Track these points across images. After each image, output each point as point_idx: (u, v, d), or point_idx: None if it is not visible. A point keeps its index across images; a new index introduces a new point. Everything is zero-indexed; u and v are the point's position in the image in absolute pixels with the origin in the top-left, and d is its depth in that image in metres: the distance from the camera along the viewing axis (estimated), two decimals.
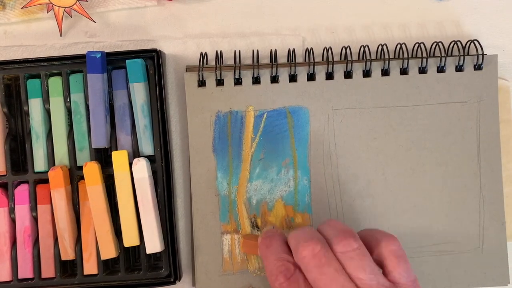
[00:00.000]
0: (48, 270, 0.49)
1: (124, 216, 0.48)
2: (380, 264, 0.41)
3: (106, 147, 0.49)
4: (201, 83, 0.49)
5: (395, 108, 0.49)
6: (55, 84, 0.49)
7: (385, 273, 0.41)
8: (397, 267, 0.40)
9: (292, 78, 0.49)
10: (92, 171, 0.47)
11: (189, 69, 0.50)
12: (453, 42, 0.50)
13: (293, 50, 0.50)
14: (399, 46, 0.50)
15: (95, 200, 0.47)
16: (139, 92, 0.48)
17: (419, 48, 0.50)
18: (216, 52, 0.49)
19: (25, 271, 0.49)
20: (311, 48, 0.50)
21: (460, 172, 0.50)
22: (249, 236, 0.48)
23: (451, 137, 0.49)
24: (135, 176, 0.47)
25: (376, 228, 0.45)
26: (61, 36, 0.51)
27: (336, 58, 0.51)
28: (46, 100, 0.49)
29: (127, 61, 0.48)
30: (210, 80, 0.49)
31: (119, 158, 0.47)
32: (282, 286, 0.41)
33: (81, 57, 0.48)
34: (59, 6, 0.50)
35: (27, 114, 0.49)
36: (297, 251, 0.41)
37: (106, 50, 0.49)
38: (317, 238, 0.41)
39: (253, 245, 0.47)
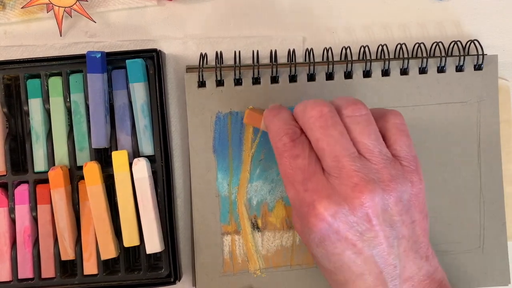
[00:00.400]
0: (48, 270, 0.49)
1: (124, 216, 0.48)
2: (383, 138, 0.41)
3: (106, 147, 0.49)
4: (201, 84, 0.49)
5: (396, 108, 0.49)
6: (55, 84, 0.49)
7: (386, 146, 0.40)
8: (398, 140, 0.40)
9: (292, 79, 0.49)
10: (92, 171, 0.47)
11: (189, 69, 0.50)
12: (453, 42, 0.50)
13: (293, 51, 0.50)
14: (399, 46, 0.50)
15: (95, 200, 0.47)
16: (139, 92, 0.48)
17: (419, 48, 0.50)
18: (216, 53, 0.49)
19: (25, 271, 0.49)
20: (311, 49, 0.50)
21: (460, 172, 0.50)
22: (254, 109, 0.47)
23: (451, 137, 0.49)
24: (135, 176, 0.47)
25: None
26: (61, 36, 0.51)
27: (336, 58, 0.51)
28: (46, 100, 0.49)
29: (127, 61, 0.48)
30: (210, 81, 0.49)
31: (119, 158, 0.47)
32: (286, 146, 0.40)
33: (81, 57, 0.48)
34: (59, 6, 0.50)
35: (27, 114, 0.49)
36: (304, 112, 0.40)
37: (106, 50, 0.49)
38: (325, 102, 0.40)
39: (257, 118, 0.46)
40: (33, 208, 0.49)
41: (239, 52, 0.50)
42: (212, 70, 0.48)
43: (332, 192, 0.38)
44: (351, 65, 0.49)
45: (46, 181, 0.48)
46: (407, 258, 0.39)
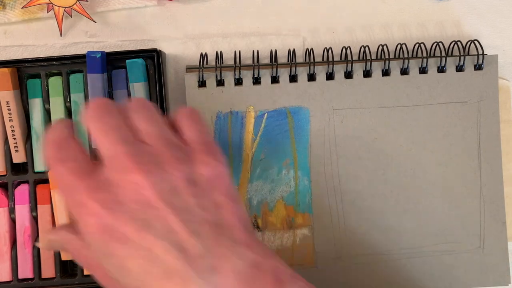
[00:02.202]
0: (48, 270, 0.49)
1: None
2: (173, 129, 0.38)
3: None
4: (202, 84, 0.49)
5: (396, 108, 0.49)
6: (55, 84, 0.49)
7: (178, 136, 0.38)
8: (186, 126, 0.38)
9: (293, 79, 0.49)
10: None
11: (189, 69, 0.50)
12: (453, 42, 0.50)
13: (293, 50, 0.50)
14: (399, 46, 0.50)
15: None
16: (139, 92, 0.48)
17: (419, 48, 0.50)
18: (216, 53, 0.49)
19: (25, 271, 0.49)
20: (311, 48, 0.50)
21: (461, 172, 0.50)
22: None
23: (451, 137, 0.49)
24: None
25: None
26: (61, 36, 0.51)
27: (337, 58, 0.51)
28: (46, 100, 0.49)
29: (127, 61, 0.48)
30: (211, 81, 0.49)
31: None
32: (54, 160, 0.36)
33: (81, 57, 0.48)
34: (59, 6, 0.50)
35: (27, 114, 0.49)
36: (84, 108, 0.37)
37: (106, 50, 0.49)
38: (103, 97, 0.38)
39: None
40: (33, 208, 0.49)
41: (239, 52, 0.50)
42: (212, 70, 0.48)
43: (103, 183, 0.33)
44: (351, 65, 0.49)
45: (46, 181, 0.48)
46: (219, 246, 0.32)
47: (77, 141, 0.37)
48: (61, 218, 0.48)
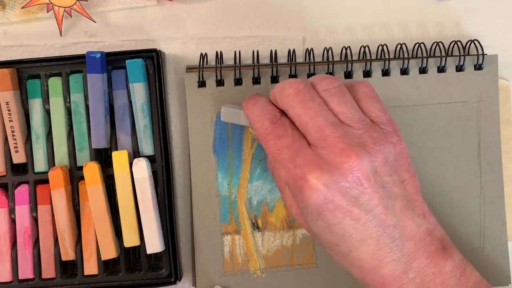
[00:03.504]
0: (49, 270, 0.49)
1: (124, 216, 0.48)
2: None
3: (106, 147, 0.49)
4: (201, 84, 0.49)
5: (396, 108, 0.49)
6: (55, 84, 0.49)
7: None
8: (371, 107, 0.41)
9: None
10: (92, 171, 0.47)
11: (189, 69, 0.50)
12: (453, 42, 0.50)
13: (293, 50, 0.50)
14: (399, 46, 0.50)
15: (95, 201, 0.47)
16: (139, 92, 0.48)
17: (419, 48, 0.50)
18: (216, 53, 0.49)
19: (26, 271, 0.49)
20: (311, 48, 0.50)
21: (461, 172, 0.50)
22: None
23: (451, 137, 0.49)
24: (135, 176, 0.47)
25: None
26: (61, 36, 0.51)
27: (336, 58, 0.51)
28: (46, 100, 0.49)
29: (127, 61, 0.48)
30: (210, 81, 0.49)
31: (119, 158, 0.47)
32: (267, 130, 0.41)
33: (81, 57, 0.48)
34: (59, 6, 0.50)
35: (27, 114, 0.49)
36: (282, 93, 0.41)
37: (106, 50, 0.49)
38: (300, 80, 0.41)
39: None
40: (33, 209, 0.49)
41: (239, 52, 0.50)
42: (212, 70, 0.48)
43: (322, 162, 0.38)
44: (351, 65, 0.49)
45: (46, 181, 0.48)
46: (405, 217, 0.39)
47: (288, 119, 0.41)
48: (61, 218, 0.48)
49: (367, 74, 0.49)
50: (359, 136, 0.39)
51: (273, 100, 0.43)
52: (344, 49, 0.50)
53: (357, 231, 0.38)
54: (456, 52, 0.51)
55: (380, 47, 0.50)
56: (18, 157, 0.49)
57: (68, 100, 0.49)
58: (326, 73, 0.49)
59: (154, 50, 0.48)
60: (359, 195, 0.38)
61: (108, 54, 0.48)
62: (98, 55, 0.47)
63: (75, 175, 0.49)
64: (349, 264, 0.40)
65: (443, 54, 0.50)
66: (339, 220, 0.38)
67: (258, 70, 0.48)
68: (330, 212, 0.38)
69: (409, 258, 0.38)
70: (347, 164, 0.37)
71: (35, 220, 0.49)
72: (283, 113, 0.42)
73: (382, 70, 0.49)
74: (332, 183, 0.38)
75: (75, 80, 0.49)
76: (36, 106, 0.49)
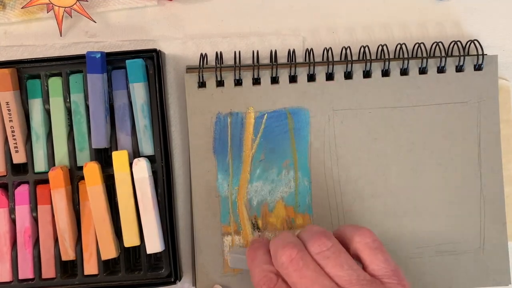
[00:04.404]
0: (49, 270, 0.49)
1: (125, 216, 0.48)
2: (357, 260, 0.41)
3: (106, 147, 0.49)
4: (201, 84, 0.49)
5: (396, 109, 0.49)
6: (55, 84, 0.49)
7: (364, 267, 0.41)
8: (374, 260, 0.40)
9: (292, 79, 0.49)
10: (92, 171, 0.47)
11: (189, 69, 0.50)
12: (453, 42, 0.50)
13: (293, 51, 0.50)
14: (399, 46, 0.50)
15: (95, 200, 0.47)
16: (139, 92, 0.48)
17: (419, 48, 0.50)
18: (216, 53, 0.49)
19: (26, 271, 0.49)
20: (311, 49, 0.50)
21: (461, 173, 0.50)
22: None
23: (451, 137, 0.49)
24: (135, 176, 0.47)
25: (349, 224, 0.46)
26: (61, 36, 0.51)
27: (336, 59, 0.51)
28: (46, 101, 0.49)
29: (127, 61, 0.48)
30: (210, 81, 0.49)
31: (119, 158, 0.47)
32: None
33: (81, 57, 0.48)
34: (59, 6, 0.50)
35: (27, 114, 0.49)
36: (276, 259, 0.41)
37: (106, 50, 0.49)
38: (293, 243, 0.41)
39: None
40: (34, 209, 0.49)
41: (239, 52, 0.50)
42: (212, 70, 0.48)
43: None
44: (351, 65, 0.49)
45: (46, 181, 0.48)
46: None
47: (287, 283, 0.40)
48: (61, 218, 0.48)
49: (367, 74, 0.49)
50: None
51: (272, 253, 0.43)
52: (344, 49, 0.50)
53: None
54: (456, 52, 0.50)
55: (380, 47, 0.50)
56: (18, 157, 0.49)
57: (68, 100, 0.49)
58: (326, 74, 0.49)
59: (154, 50, 0.48)
60: None
61: (108, 54, 0.48)
62: (98, 55, 0.47)
63: (75, 175, 0.49)
64: None
65: (443, 54, 0.50)
66: None
67: (258, 70, 0.48)
68: None
69: None
70: None
71: (35, 220, 0.49)
72: (278, 272, 0.41)
73: (382, 70, 0.49)
74: None
75: (75, 80, 0.49)
76: (36, 106, 0.49)
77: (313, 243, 0.40)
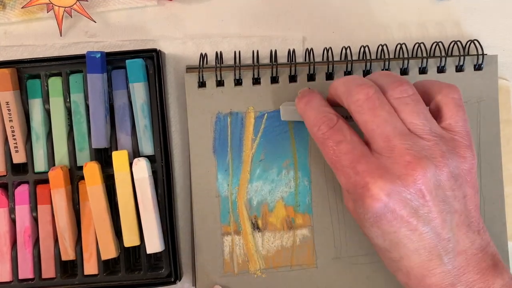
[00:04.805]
0: (49, 270, 0.49)
1: (124, 216, 0.48)
2: (436, 113, 0.41)
3: (106, 147, 0.49)
4: (201, 84, 0.49)
5: None
6: (55, 84, 0.49)
7: (440, 121, 0.41)
8: (455, 115, 0.41)
9: (292, 79, 0.49)
10: (92, 171, 0.47)
11: (189, 69, 0.50)
12: (453, 42, 0.50)
13: (293, 50, 0.50)
14: (399, 46, 0.50)
15: (95, 200, 0.47)
16: (139, 92, 0.48)
17: (419, 48, 0.50)
18: (216, 53, 0.49)
19: (26, 271, 0.49)
20: (311, 48, 0.50)
21: None
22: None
23: None
24: (135, 176, 0.47)
25: (434, 80, 0.45)
26: (61, 36, 0.51)
27: (336, 58, 0.51)
28: (46, 100, 0.49)
29: (127, 61, 0.48)
30: (210, 81, 0.49)
31: (119, 158, 0.48)
32: (325, 135, 0.41)
33: (81, 57, 0.48)
34: (59, 6, 0.50)
35: (27, 114, 0.49)
36: (349, 95, 0.40)
37: (106, 50, 0.49)
38: (369, 83, 0.40)
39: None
40: (33, 209, 0.49)
41: (239, 52, 0.50)
42: (212, 70, 0.48)
43: (385, 171, 0.38)
44: (351, 65, 0.49)
45: (46, 181, 0.48)
46: (460, 232, 0.39)
47: (347, 123, 0.41)
48: (61, 218, 0.48)
49: (367, 74, 0.49)
50: (427, 148, 0.38)
51: (330, 96, 0.43)
52: (344, 49, 0.50)
53: (412, 241, 0.38)
54: (456, 52, 0.50)
55: (380, 47, 0.50)
56: (18, 157, 0.49)
57: (68, 100, 0.49)
58: (326, 73, 0.49)
59: (154, 50, 0.48)
60: (419, 207, 0.38)
61: (108, 54, 0.48)
62: (98, 55, 0.47)
63: (75, 175, 0.49)
64: (396, 268, 0.41)
65: (443, 54, 0.50)
66: (395, 229, 0.38)
67: (258, 70, 0.48)
68: (387, 222, 0.38)
69: (458, 272, 0.39)
70: (412, 177, 0.37)
71: (35, 220, 0.49)
72: (338, 114, 0.42)
73: (382, 70, 0.49)
74: (394, 194, 0.37)
75: (75, 80, 0.49)
76: (36, 106, 0.49)
77: (394, 87, 0.40)
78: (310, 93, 0.44)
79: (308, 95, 0.44)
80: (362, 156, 0.39)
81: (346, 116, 0.44)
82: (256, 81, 0.49)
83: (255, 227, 0.49)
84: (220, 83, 0.49)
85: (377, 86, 0.41)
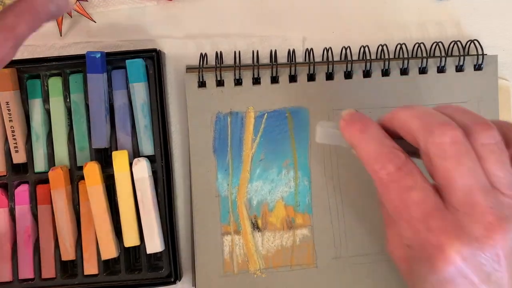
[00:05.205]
0: (49, 270, 0.49)
1: (124, 216, 0.48)
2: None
3: (106, 147, 0.49)
4: (201, 84, 0.49)
5: None
6: (55, 84, 0.49)
7: None
8: None
9: (292, 79, 0.49)
10: (92, 171, 0.47)
11: (189, 69, 0.50)
12: (453, 42, 0.50)
13: (293, 50, 0.50)
14: (399, 46, 0.50)
15: (95, 200, 0.47)
16: (139, 92, 0.48)
17: (419, 48, 0.50)
18: (216, 53, 0.49)
19: (26, 271, 0.49)
20: (311, 48, 0.50)
21: None
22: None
23: None
24: (135, 176, 0.47)
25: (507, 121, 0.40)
26: (61, 36, 0.51)
27: (336, 58, 0.51)
28: (46, 100, 0.49)
29: (127, 61, 0.48)
30: (210, 81, 0.49)
31: (119, 158, 0.48)
32: (391, 177, 0.35)
33: (81, 57, 0.48)
34: None
35: (27, 114, 0.49)
36: (430, 134, 0.34)
37: (106, 50, 0.49)
38: (453, 123, 0.34)
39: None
40: (34, 209, 0.49)
41: (239, 52, 0.50)
42: (212, 70, 0.48)
43: (462, 231, 0.33)
44: (351, 65, 0.49)
45: (46, 181, 0.48)
46: None
47: (414, 163, 0.36)
48: (61, 218, 0.48)
49: (367, 74, 0.49)
50: (508, 206, 0.33)
51: (390, 126, 0.37)
52: (344, 49, 0.50)
53: None
54: (456, 52, 0.50)
55: (380, 47, 0.50)
56: (18, 157, 0.49)
57: (68, 100, 0.49)
58: (326, 73, 0.49)
59: (154, 50, 0.48)
60: (492, 273, 0.33)
61: (108, 54, 0.48)
62: (98, 55, 0.47)
63: (75, 175, 0.49)
64: None
65: (443, 54, 0.50)
66: None
67: (258, 70, 0.48)
68: (454, 286, 0.34)
69: None
70: (492, 241, 0.33)
71: (35, 220, 0.49)
72: (404, 151, 0.36)
73: (382, 70, 0.49)
74: (471, 258, 0.33)
75: (75, 80, 0.49)
76: (36, 106, 0.49)
77: (482, 131, 0.35)
78: (363, 119, 0.38)
79: (361, 121, 0.38)
80: (436, 210, 0.34)
81: (408, 151, 0.37)
82: (256, 81, 0.49)
83: (255, 227, 0.49)
84: (220, 83, 0.49)
85: (458, 124, 0.35)
